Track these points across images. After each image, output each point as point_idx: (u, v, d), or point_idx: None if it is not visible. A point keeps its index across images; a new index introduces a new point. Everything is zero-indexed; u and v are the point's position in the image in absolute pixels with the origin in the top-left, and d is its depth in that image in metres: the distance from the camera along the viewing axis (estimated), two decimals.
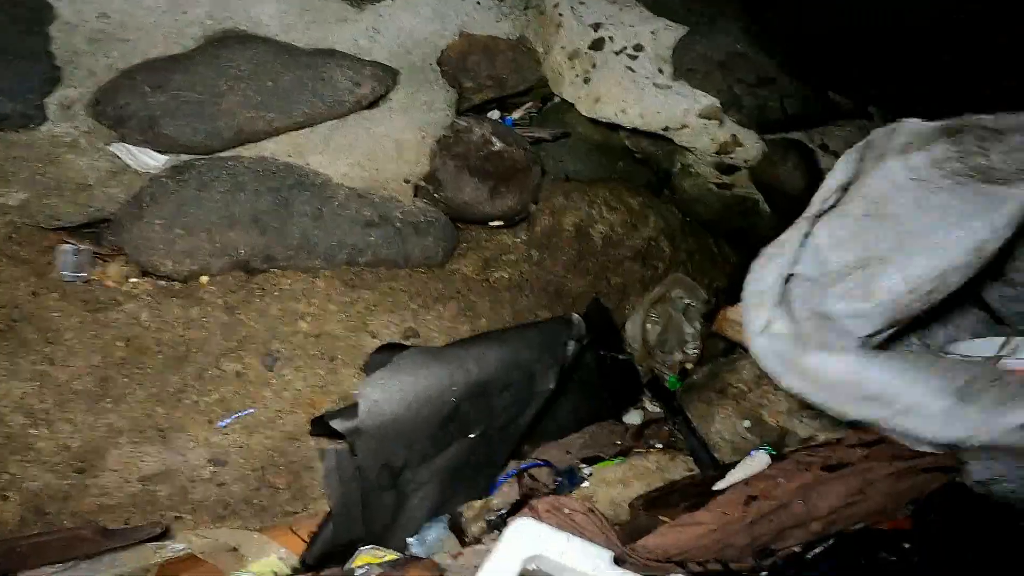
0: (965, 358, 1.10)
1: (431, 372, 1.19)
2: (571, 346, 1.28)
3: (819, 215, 1.05)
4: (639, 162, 1.74)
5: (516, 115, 1.64)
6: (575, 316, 1.32)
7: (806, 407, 1.18)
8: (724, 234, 1.72)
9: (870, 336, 1.11)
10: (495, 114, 1.63)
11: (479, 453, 1.23)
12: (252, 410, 1.27)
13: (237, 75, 1.36)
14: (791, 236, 1.03)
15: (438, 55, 1.57)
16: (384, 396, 1.17)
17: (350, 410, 1.17)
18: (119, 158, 1.27)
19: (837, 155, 1.19)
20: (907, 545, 1.36)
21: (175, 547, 1.18)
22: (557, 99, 1.65)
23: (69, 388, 1.16)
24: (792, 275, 1.10)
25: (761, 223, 1.69)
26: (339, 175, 1.43)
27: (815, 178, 1.52)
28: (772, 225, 1.57)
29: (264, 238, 1.34)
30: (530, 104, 1.68)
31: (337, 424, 1.13)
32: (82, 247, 1.21)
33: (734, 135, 1.48)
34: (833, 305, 1.10)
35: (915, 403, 0.88)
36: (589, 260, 1.54)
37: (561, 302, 1.47)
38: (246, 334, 1.30)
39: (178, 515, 1.23)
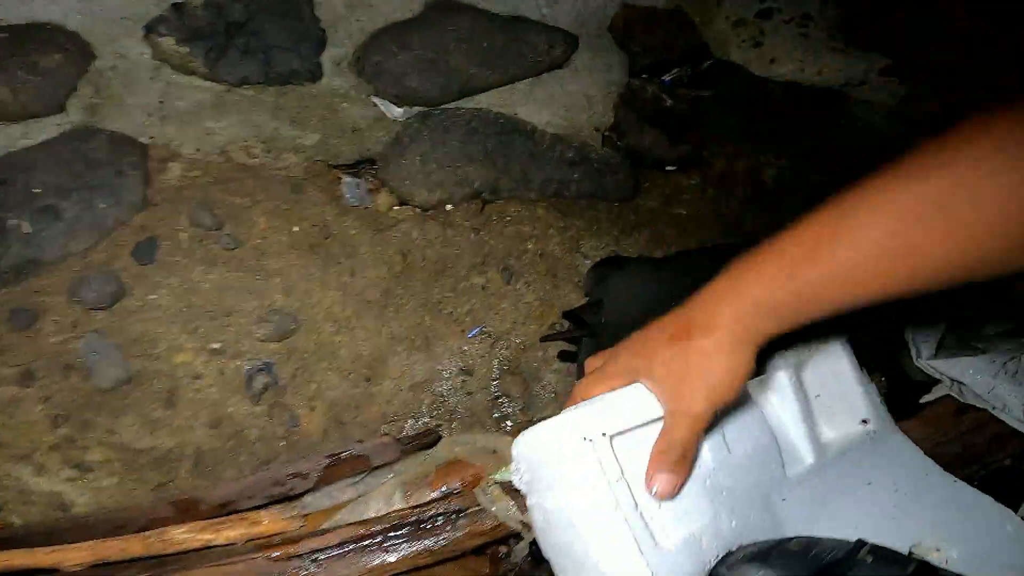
0: None
1: (660, 277, 1.39)
2: None
3: None
4: None
5: (669, 76, 1.86)
6: None
7: None
8: None
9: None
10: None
11: None
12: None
13: (459, 37, 1.57)
14: None
15: (608, 24, 1.79)
16: (622, 296, 1.36)
17: (593, 307, 1.36)
18: (379, 107, 1.47)
19: None
20: None
21: (437, 454, 1.36)
22: (707, 63, 1.87)
23: (363, 298, 1.36)
24: None
25: None
26: (543, 123, 1.65)
27: None
28: None
29: (494, 172, 1.55)
30: (678, 69, 1.90)
31: (587, 317, 1.32)
32: (359, 180, 1.40)
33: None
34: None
35: None
36: (762, 200, 1.75)
37: (739, 235, 1.69)
38: (488, 251, 1.50)
39: (438, 423, 1.42)
